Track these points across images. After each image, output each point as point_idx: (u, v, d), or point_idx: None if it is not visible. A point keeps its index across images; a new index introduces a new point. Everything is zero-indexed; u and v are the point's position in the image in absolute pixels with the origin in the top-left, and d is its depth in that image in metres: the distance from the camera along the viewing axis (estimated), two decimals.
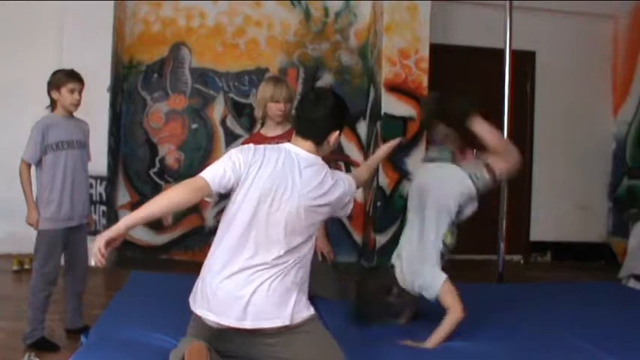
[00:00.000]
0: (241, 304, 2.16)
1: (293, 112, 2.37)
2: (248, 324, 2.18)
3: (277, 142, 3.28)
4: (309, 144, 2.33)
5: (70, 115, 3.17)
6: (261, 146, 2.35)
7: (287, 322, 2.20)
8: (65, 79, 3.04)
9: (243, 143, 3.73)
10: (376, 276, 3.14)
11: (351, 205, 2.40)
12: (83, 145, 3.19)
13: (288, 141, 3.35)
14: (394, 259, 3.05)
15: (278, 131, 3.43)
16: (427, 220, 2.92)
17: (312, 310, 2.30)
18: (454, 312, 2.80)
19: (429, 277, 2.87)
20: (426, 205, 2.93)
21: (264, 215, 2.20)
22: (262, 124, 3.60)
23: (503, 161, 2.98)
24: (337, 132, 2.36)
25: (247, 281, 2.18)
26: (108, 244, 2.07)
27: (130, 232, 5.52)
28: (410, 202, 3.07)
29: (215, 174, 2.20)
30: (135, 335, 2.60)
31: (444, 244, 2.92)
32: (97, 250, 2.04)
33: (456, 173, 2.94)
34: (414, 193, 3.05)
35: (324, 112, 2.33)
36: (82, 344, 2.65)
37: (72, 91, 3.06)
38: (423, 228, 2.93)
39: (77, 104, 3.12)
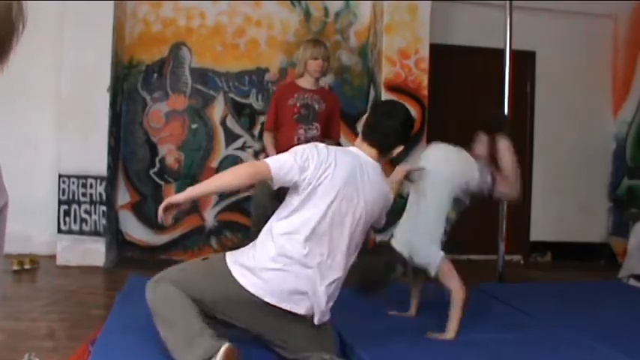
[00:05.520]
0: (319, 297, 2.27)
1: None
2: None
3: (310, 96, 3.88)
4: (374, 152, 2.41)
5: None
6: (333, 147, 2.40)
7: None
8: None
9: (277, 89, 4.38)
10: (379, 254, 3.12)
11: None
12: None
13: (320, 97, 3.86)
14: (395, 231, 3.08)
15: (313, 87, 3.96)
16: (433, 196, 2.91)
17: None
18: (456, 293, 2.84)
19: (427, 255, 2.88)
20: (436, 181, 2.91)
21: (335, 217, 2.28)
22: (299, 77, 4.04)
23: (505, 187, 3.01)
24: (402, 147, 2.43)
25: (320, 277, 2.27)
26: (167, 209, 2.25)
27: (129, 232, 5.54)
28: (416, 176, 3.01)
29: (281, 168, 2.24)
30: (138, 346, 2.57)
31: (448, 219, 2.92)
32: (159, 213, 2.26)
33: (471, 160, 2.96)
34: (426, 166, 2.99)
35: (395, 126, 2.41)
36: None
37: None
38: (427, 203, 2.93)
39: None
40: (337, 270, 2.32)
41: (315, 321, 2.28)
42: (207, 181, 2.36)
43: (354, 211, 2.30)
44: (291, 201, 2.30)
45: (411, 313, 3.26)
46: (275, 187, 2.33)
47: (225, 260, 2.28)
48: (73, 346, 2.77)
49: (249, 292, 2.21)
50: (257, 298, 2.21)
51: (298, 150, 2.31)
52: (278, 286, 2.21)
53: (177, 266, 2.36)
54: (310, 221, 2.25)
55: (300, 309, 2.24)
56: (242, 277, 2.22)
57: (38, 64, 5.17)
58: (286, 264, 2.23)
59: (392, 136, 2.40)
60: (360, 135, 2.48)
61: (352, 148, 2.45)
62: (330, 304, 2.34)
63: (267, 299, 2.21)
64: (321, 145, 2.36)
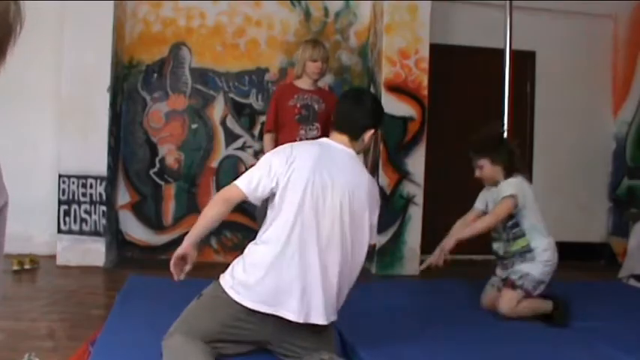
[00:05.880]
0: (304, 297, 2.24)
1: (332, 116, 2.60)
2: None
3: (309, 96, 3.86)
4: (345, 138, 2.44)
5: None
6: (297, 142, 2.49)
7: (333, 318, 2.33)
8: None
9: (276, 90, 4.36)
10: None
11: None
12: None
13: (320, 97, 3.82)
14: None
15: (312, 87, 3.95)
16: None
17: None
18: (493, 216, 3.28)
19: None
20: None
21: (317, 209, 2.27)
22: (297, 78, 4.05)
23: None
24: (372, 131, 2.47)
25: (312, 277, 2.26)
26: (176, 264, 2.36)
27: (129, 232, 5.52)
28: None
29: (250, 182, 2.30)
30: (138, 346, 2.56)
31: None
32: (172, 271, 2.35)
33: None
34: None
35: (363, 111, 2.47)
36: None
37: None
38: None
39: None
40: (333, 274, 2.28)
41: (316, 320, 2.26)
42: (196, 224, 2.42)
43: (333, 199, 2.27)
44: (272, 210, 2.33)
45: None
46: (257, 203, 2.36)
47: (220, 286, 2.31)
48: (73, 346, 2.77)
49: (248, 308, 2.23)
50: (256, 311, 2.22)
51: (261, 160, 2.38)
52: (272, 293, 2.22)
53: (180, 317, 2.35)
54: (289, 219, 2.25)
55: (295, 314, 2.23)
56: (237, 295, 2.25)
57: (38, 64, 5.17)
58: (274, 269, 2.23)
59: (360, 122, 2.46)
60: (331, 124, 2.57)
61: (321, 139, 2.53)
62: (333, 313, 2.32)
63: (264, 309, 2.22)
64: (284, 147, 2.42)
